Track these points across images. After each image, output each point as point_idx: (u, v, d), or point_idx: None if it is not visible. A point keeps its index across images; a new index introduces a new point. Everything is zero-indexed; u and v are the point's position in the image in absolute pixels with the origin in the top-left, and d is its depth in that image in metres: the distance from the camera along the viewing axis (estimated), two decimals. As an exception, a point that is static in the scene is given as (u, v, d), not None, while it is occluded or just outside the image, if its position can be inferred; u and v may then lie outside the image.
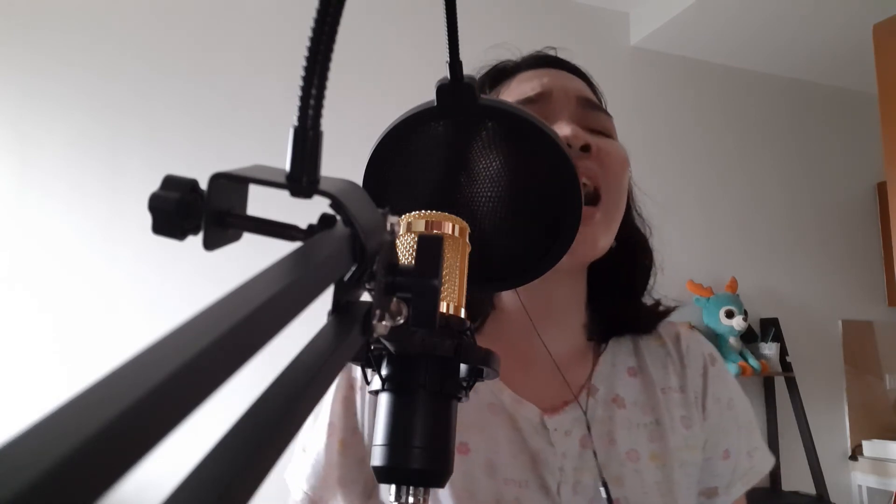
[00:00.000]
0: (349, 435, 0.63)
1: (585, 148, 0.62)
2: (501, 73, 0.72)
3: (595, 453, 0.62)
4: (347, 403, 0.65)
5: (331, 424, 0.64)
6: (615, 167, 0.65)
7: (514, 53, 0.75)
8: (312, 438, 0.65)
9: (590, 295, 0.72)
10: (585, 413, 0.64)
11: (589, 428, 0.63)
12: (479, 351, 0.36)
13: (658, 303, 0.74)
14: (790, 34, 2.83)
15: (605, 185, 0.63)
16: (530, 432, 0.62)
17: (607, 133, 0.68)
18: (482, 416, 0.63)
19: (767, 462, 0.73)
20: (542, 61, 0.72)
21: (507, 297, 0.69)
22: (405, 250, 0.36)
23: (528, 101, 0.65)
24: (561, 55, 0.73)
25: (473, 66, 0.74)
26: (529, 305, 0.67)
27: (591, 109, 0.67)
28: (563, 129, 0.62)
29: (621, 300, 0.72)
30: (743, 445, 0.71)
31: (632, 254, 0.73)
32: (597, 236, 0.63)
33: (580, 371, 0.68)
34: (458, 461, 0.58)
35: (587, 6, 2.86)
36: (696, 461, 0.67)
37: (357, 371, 0.66)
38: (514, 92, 0.67)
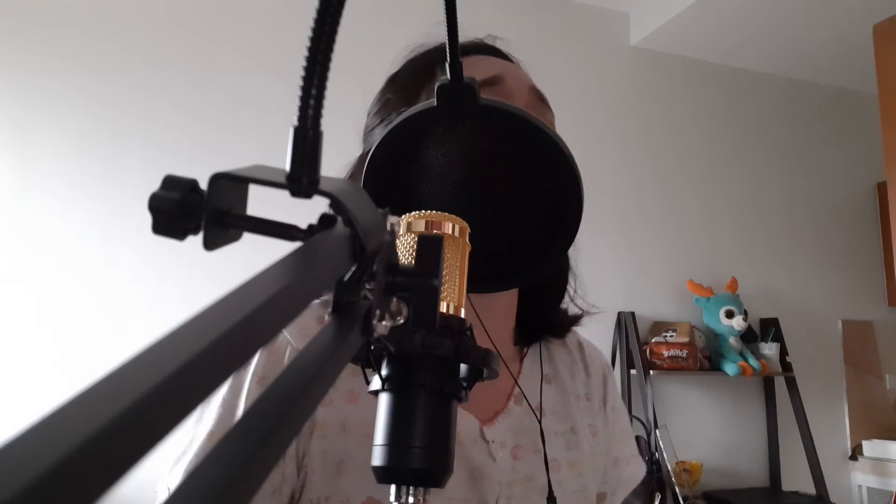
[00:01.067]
0: None
1: None
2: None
3: (547, 465, 0.59)
4: None
5: None
6: None
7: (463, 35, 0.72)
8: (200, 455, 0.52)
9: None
10: (540, 422, 0.62)
11: (543, 439, 0.61)
12: (479, 351, 0.35)
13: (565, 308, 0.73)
14: (790, 34, 2.83)
15: None
16: (469, 445, 0.58)
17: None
18: None
19: (642, 469, 0.75)
20: (488, 50, 0.69)
21: None
22: (405, 250, 0.36)
23: (484, 83, 0.61)
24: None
25: (408, 43, 0.70)
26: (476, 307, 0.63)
27: (541, 102, 0.65)
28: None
29: (543, 307, 0.71)
30: (625, 452, 0.73)
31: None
32: None
33: (506, 378, 0.66)
34: None
35: (587, 6, 2.86)
36: (601, 468, 0.68)
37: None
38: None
